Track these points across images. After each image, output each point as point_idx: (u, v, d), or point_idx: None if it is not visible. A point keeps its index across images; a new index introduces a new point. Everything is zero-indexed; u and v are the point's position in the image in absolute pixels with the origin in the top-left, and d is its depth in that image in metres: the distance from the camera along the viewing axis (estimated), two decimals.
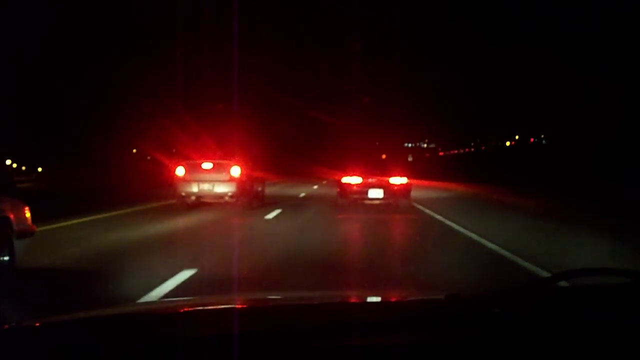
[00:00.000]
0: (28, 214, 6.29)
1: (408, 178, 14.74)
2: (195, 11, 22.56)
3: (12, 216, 5.84)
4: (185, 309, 1.78)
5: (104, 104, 23.04)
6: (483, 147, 47.56)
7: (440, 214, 13.03)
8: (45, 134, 22.84)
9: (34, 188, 22.20)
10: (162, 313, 1.75)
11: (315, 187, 23.99)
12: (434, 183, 24.35)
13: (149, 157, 25.66)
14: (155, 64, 22.67)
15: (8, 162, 26.57)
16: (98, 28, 21.16)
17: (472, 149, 51.65)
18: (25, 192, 21.04)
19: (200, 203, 14.42)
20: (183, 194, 14.07)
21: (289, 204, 16.23)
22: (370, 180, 14.63)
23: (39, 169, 32.27)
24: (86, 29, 21.07)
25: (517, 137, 52.32)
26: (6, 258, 5.73)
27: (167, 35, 22.98)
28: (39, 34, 20.27)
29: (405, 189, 14.67)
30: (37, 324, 1.48)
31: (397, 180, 14.63)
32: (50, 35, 20.41)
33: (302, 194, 21.67)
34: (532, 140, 47.62)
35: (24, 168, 31.81)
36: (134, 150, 27.51)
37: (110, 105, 23.15)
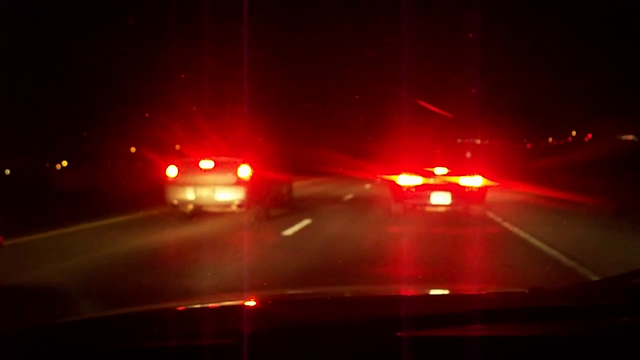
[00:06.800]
0: None
1: (483, 177, 10.73)
2: None
3: None
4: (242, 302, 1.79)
5: (90, 95, 19.74)
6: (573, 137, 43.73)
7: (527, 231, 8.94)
8: (23, 126, 19.68)
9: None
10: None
11: (350, 196, 19.57)
12: (516, 185, 19.58)
13: (133, 152, 22.08)
14: (147, 39, 19.08)
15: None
16: (92, 16, 18.05)
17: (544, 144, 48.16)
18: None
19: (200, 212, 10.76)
20: (175, 201, 10.42)
21: (323, 211, 12.41)
22: (433, 180, 10.71)
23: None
24: (81, 17, 18.02)
25: (573, 133, 49.24)
26: None
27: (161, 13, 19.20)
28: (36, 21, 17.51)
29: (479, 193, 10.70)
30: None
31: (469, 181, 10.65)
32: (43, 21, 17.56)
33: (349, 196, 17.86)
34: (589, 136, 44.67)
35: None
36: (133, 149, 23.82)
37: (98, 96, 19.81)
